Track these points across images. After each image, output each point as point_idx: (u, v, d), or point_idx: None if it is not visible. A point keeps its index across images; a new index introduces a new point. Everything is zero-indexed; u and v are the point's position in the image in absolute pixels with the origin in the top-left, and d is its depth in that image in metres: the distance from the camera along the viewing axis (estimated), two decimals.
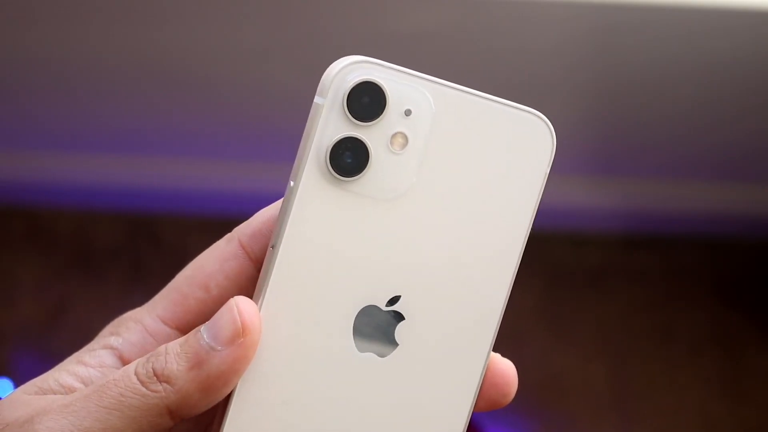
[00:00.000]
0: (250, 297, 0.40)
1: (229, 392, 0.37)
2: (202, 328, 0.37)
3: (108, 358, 0.40)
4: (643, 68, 1.41)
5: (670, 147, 1.64)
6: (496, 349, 0.41)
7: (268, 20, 1.33)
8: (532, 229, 0.40)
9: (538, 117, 0.39)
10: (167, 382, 0.37)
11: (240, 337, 0.37)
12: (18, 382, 1.56)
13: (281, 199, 0.40)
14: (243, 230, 0.41)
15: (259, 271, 0.40)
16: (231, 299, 0.37)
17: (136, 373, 0.37)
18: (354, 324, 0.38)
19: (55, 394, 0.39)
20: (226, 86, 1.48)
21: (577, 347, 1.76)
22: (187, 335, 0.38)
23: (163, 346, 0.38)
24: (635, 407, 1.74)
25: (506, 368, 0.41)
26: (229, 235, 0.41)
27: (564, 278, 1.79)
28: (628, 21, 1.30)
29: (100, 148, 1.69)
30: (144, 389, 0.37)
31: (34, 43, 1.38)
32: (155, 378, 0.37)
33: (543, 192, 0.40)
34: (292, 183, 0.38)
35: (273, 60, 1.41)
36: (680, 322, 1.79)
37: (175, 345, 0.37)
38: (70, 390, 0.39)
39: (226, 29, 1.35)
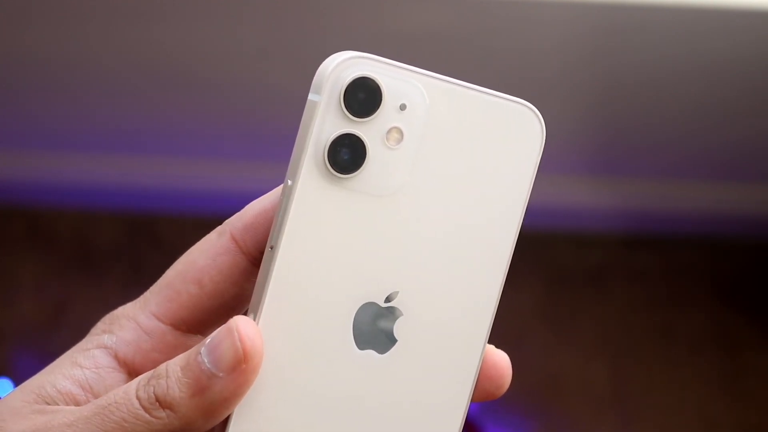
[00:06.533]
0: (244, 291, 0.40)
1: (231, 412, 0.37)
2: (203, 350, 0.37)
3: (103, 358, 0.40)
4: (643, 68, 1.41)
5: (670, 147, 1.64)
6: (496, 348, 0.41)
7: (267, 20, 1.33)
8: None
9: (528, 107, 0.39)
10: (170, 408, 0.36)
11: (242, 364, 0.36)
12: (18, 382, 1.55)
13: (273, 191, 0.40)
14: (234, 223, 0.40)
15: (252, 264, 0.40)
16: (231, 320, 0.37)
17: (138, 398, 0.37)
18: (354, 321, 0.38)
19: (55, 402, 0.39)
20: (226, 86, 1.48)
21: (577, 347, 1.76)
22: (187, 355, 0.37)
23: (163, 367, 0.37)
24: (635, 407, 1.74)
25: (500, 360, 0.40)
26: (220, 228, 0.41)
27: (564, 278, 1.79)
28: (628, 21, 1.30)
29: (100, 148, 1.69)
30: (147, 416, 0.36)
31: (33, 43, 1.38)
32: (157, 404, 0.36)
33: (533, 183, 0.40)
34: (290, 182, 0.38)
35: (273, 60, 1.41)
36: (680, 322, 1.79)
37: (176, 368, 0.37)
38: (69, 396, 0.39)
39: (227, 29, 1.35)
